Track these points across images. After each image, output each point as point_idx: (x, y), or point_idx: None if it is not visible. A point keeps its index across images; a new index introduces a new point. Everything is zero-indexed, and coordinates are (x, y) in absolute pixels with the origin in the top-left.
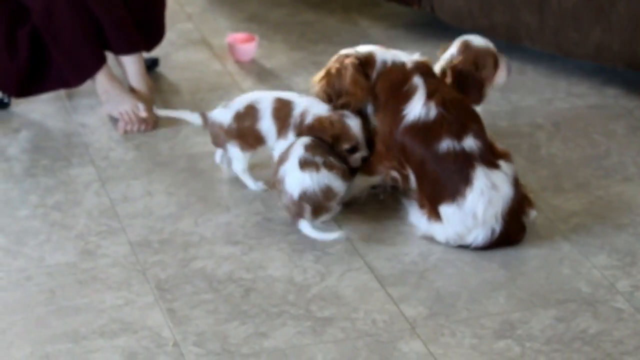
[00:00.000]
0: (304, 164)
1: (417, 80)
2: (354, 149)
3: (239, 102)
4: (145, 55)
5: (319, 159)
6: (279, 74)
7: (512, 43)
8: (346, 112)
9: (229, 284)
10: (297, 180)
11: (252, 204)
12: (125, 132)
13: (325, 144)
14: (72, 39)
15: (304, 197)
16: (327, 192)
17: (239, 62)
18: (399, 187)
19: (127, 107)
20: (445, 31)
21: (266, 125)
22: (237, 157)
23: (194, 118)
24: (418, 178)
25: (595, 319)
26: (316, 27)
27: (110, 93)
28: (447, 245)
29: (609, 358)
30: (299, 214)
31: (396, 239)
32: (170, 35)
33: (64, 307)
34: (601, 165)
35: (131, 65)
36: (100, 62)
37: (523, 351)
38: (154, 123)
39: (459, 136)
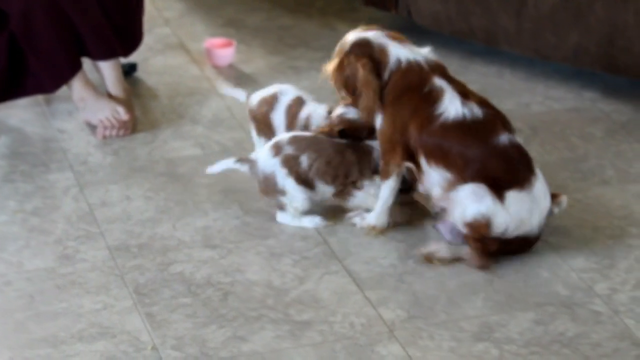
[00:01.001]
0: (273, 145)
1: (440, 82)
2: None
3: (269, 89)
4: (123, 60)
5: (286, 148)
6: (257, 79)
7: (490, 47)
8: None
9: (208, 288)
10: (259, 153)
11: (231, 207)
12: (104, 137)
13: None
14: (48, 44)
15: (251, 170)
16: (268, 179)
17: (216, 67)
18: (415, 177)
19: (106, 114)
20: (423, 35)
21: (278, 117)
22: (254, 140)
23: (240, 95)
24: (461, 172)
25: (574, 322)
26: (294, 32)
27: (86, 100)
28: (505, 231)
29: None
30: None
31: (374, 242)
32: (148, 40)
33: (42, 312)
34: (579, 168)
35: (108, 70)
36: (76, 67)
37: (501, 354)
38: (133, 127)
39: (511, 132)
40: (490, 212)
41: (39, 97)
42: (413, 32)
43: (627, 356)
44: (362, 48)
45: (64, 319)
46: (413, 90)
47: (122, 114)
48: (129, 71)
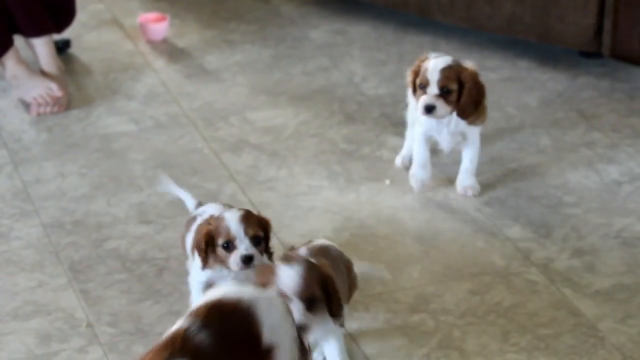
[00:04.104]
0: None
1: None
2: (227, 245)
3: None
4: (57, 36)
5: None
6: (191, 53)
7: (424, 18)
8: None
9: (142, 264)
10: None
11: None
12: (38, 114)
13: None
14: None
15: None
16: None
17: (150, 42)
18: None
19: (40, 91)
20: (356, 6)
21: None
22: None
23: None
24: None
25: (510, 292)
26: (227, 5)
27: (19, 78)
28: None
29: (524, 330)
30: None
31: (309, 215)
32: (81, 16)
33: None
34: (514, 138)
35: (41, 47)
36: (7, 45)
37: (437, 325)
38: (67, 104)
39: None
40: None
41: None
42: (346, 4)
43: (564, 325)
44: None
45: None
46: None
47: (56, 90)
48: (62, 48)
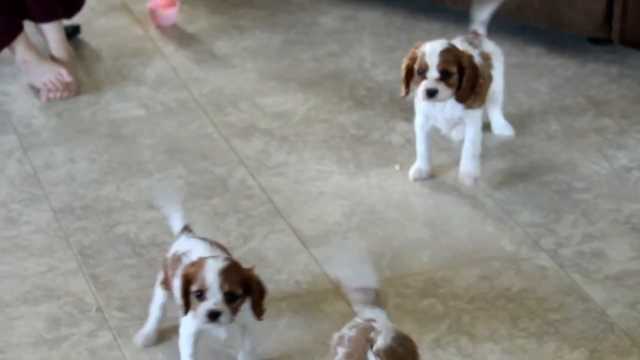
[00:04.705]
0: None
1: None
2: (199, 294)
3: None
4: (67, 22)
5: None
6: (201, 39)
7: (434, 4)
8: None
9: (152, 249)
10: None
11: (175, 168)
12: (48, 99)
13: None
14: None
15: None
16: None
17: (160, 27)
18: None
19: (49, 76)
20: None
21: None
22: None
23: None
24: None
25: (519, 277)
26: None
27: (29, 63)
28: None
29: (533, 315)
30: None
31: (318, 200)
32: (91, 1)
33: None
34: (524, 123)
35: (51, 32)
36: (17, 30)
37: (447, 310)
38: (76, 89)
39: None
40: None
41: None
42: None
43: (574, 310)
44: None
45: (8, 282)
46: None
47: (65, 76)
48: (72, 33)
